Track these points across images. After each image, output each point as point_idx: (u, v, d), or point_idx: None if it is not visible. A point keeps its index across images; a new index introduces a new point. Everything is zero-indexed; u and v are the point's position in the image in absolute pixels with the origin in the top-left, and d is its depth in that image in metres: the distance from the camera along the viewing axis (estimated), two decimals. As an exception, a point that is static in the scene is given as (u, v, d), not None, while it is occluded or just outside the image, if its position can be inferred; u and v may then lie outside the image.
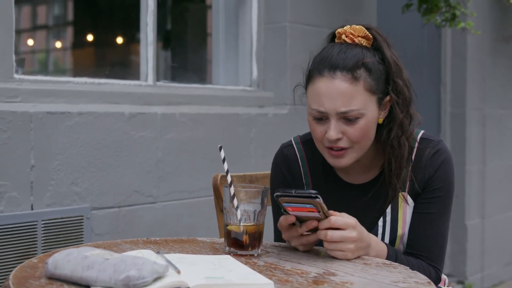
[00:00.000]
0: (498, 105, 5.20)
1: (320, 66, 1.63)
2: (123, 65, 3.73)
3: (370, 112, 1.63)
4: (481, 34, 4.35)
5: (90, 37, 4.07)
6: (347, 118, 1.61)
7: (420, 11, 3.96)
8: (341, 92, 1.59)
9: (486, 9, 4.90)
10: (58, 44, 4.45)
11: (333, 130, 1.61)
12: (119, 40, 3.90)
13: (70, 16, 4.31)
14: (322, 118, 1.63)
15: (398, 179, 1.69)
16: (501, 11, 5.09)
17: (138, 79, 3.13)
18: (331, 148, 1.65)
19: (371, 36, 1.68)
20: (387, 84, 1.66)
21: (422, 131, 1.76)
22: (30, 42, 4.19)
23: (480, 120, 5.00)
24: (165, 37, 3.84)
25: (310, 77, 1.66)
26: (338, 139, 1.62)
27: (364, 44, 1.67)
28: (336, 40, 1.71)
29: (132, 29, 3.34)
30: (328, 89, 1.60)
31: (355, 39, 1.67)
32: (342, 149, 1.64)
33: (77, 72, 2.83)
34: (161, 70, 3.62)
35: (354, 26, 1.69)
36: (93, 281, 1.20)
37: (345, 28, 1.69)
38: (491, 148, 5.11)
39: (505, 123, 5.29)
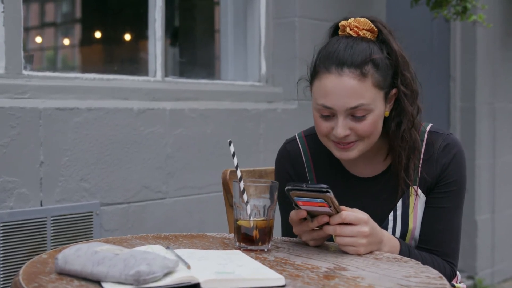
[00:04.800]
0: (508, 99, 5.17)
1: (327, 62, 1.60)
2: (131, 61, 3.73)
3: (378, 108, 1.61)
4: (491, 28, 4.32)
5: (98, 34, 4.06)
6: (355, 116, 1.59)
7: (429, 5, 3.94)
8: (349, 90, 1.57)
9: (496, 3, 4.87)
10: (67, 41, 4.45)
11: (341, 128, 1.59)
12: (128, 36, 3.90)
13: (78, 13, 4.31)
14: (329, 115, 1.61)
15: (407, 172, 1.67)
16: (511, 4, 5.05)
17: (147, 75, 3.13)
18: (338, 142, 1.64)
19: (376, 29, 1.64)
20: (394, 78, 1.64)
21: (430, 124, 1.74)
22: (39, 39, 4.19)
23: (490, 115, 4.98)
24: (173, 33, 3.83)
25: (316, 72, 1.63)
26: (346, 136, 1.61)
27: (369, 37, 1.63)
28: (340, 33, 1.67)
29: (140, 25, 3.33)
30: (336, 86, 1.57)
31: (360, 32, 1.63)
32: (350, 142, 1.63)
33: (86, 69, 2.83)
34: (170, 66, 3.61)
35: (359, 18, 1.65)
36: (103, 276, 1.20)
37: (349, 20, 1.66)
38: (502, 143, 5.09)
39: (515, 117, 5.26)
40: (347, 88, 1.57)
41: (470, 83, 4.90)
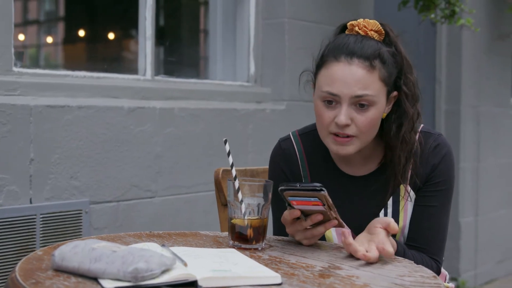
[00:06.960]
0: (492, 103, 5.22)
1: (336, 52, 1.63)
2: (121, 59, 3.72)
3: (381, 103, 1.64)
4: (476, 32, 4.37)
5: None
6: (360, 104, 1.61)
7: (417, 8, 3.97)
8: (358, 78, 1.60)
9: (482, 7, 4.92)
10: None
11: (344, 115, 1.60)
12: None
13: (68, 11, 4.30)
14: (332, 101, 1.63)
15: (403, 173, 1.70)
16: (497, 8, 5.10)
17: (137, 74, 3.13)
18: (336, 135, 1.65)
19: (383, 31, 1.69)
20: (398, 79, 1.68)
21: (421, 125, 1.77)
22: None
23: (474, 118, 5.02)
24: (163, 32, 3.83)
25: (323, 62, 1.66)
26: (347, 125, 1.62)
27: (376, 38, 1.68)
28: (347, 32, 1.71)
29: (130, 24, 3.34)
30: (344, 73, 1.60)
31: (368, 32, 1.67)
32: (348, 136, 1.64)
33: (76, 67, 2.82)
34: (159, 65, 3.62)
35: (368, 19, 1.70)
36: (101, 273, 1.20)
37: (358, 20, 1.70)
38: (486, 146, 5.13)
39: (499, 121, 5.31)
40: (355, 76, 1.60)
41: (455, 86, 4.94)
